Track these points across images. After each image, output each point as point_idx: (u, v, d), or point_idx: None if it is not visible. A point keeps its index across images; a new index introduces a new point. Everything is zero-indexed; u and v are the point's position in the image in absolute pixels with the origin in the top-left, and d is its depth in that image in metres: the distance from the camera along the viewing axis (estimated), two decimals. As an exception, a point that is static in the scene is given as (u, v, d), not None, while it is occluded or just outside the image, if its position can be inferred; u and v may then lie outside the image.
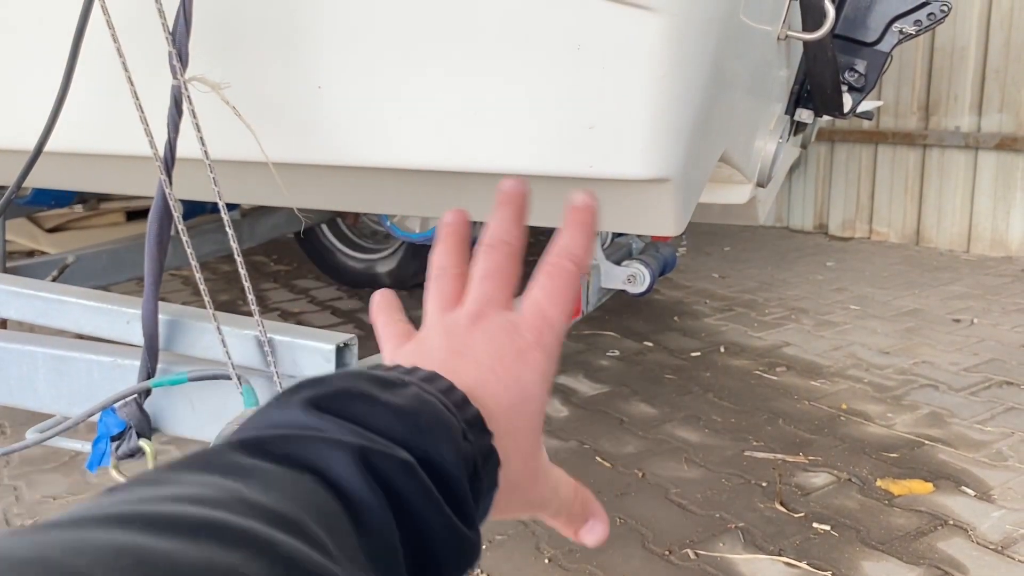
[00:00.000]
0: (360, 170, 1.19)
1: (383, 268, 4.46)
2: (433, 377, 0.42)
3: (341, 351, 1.19)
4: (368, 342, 2.71)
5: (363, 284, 4.57)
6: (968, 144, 4.89)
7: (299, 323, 4.16)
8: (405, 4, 1.11)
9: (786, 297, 4.26)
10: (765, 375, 3.23)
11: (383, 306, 0.55)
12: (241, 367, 1.23)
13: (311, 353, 1.18)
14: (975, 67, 4.86)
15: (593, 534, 0.51)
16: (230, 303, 4.61)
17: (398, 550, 0.35)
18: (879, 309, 4.00)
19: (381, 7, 1.11)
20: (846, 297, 4.22)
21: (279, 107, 1.20)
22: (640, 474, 2.48)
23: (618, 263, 2.50)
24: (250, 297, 1.17)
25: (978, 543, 2.08)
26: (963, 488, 2.34)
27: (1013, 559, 2.01)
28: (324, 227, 4.48)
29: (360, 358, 1.54)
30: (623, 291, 2.53)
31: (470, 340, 0.46)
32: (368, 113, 1.14)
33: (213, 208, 3.08)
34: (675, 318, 4.01)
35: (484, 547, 2.14)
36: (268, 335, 1.20)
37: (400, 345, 0.51)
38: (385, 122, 1.13)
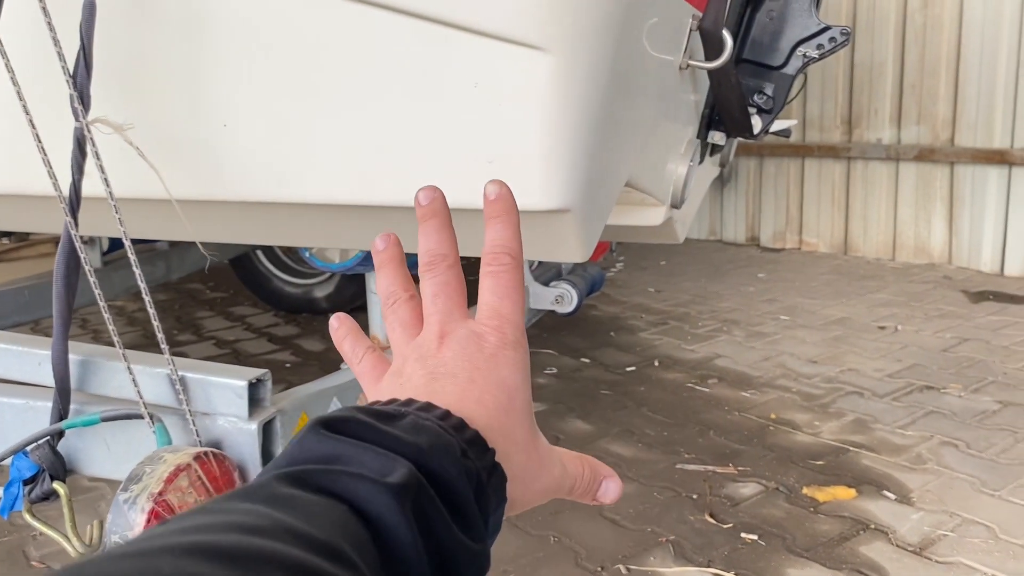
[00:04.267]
0: (267, 205, 1.21)
1: (320, 293, 4.44)
2: (428, 406, 0.44)
3: (254, 387, 1.20)
4: (304, 368, 2.68)
5: (300, 310, 4.54)
6: (889, 156, 5.07)
7: (235, 351, 4.12)
8: (306, 43, 1.13)
9: (719, 309, 4.35)
10: (697, 387, 3.30)
11: (345, 332, 0.56)
12: (153, 405, 1.23)
13: (223, 390, 1.19)
14: (893, 82, 5.04)
15: (609, 494, 0.54)
16: (165, 332, 4.54)
17: (425, 571, 0.38)
18: (808, 319, 4.12)
19: (282, 46, 1.13)
20: (776, 308, 4.33)
21: (185, 145, 1.21)
22: (575, 491, 2.51)
23: (546, 284, 2.55)
24: (159, 336, 1.17)
25: (897, 545, 2.15)
26: (884, 492, 2.42)
27: (930, 560, 2.09)
28: (259, 253, 4.45)
29: (295, 385, 1.54)
30: (552, 311, 2.58)
31: (442, 359, 0.49)
32: (273, 150, 1.16)
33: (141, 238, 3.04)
34: (612, 333, 4.07)
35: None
36: (180, 373, 1.20)
37: (377, 380, 0.53)
38: (290, 158, 1.15)
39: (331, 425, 0.41)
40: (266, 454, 1.21)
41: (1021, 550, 2.11)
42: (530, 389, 0.50)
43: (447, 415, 0.44)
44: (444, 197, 0.53)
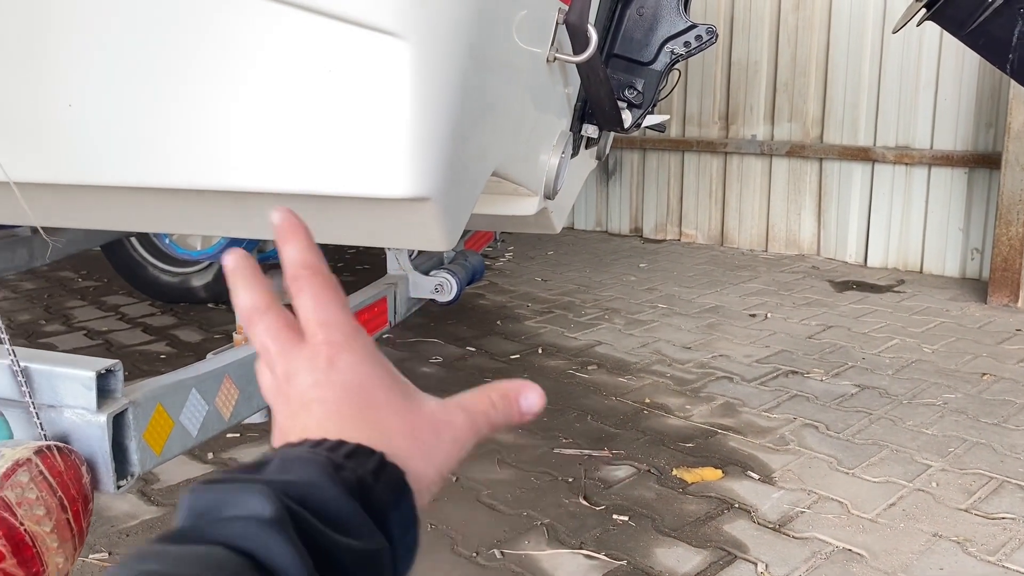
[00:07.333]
0: (115, 189, 1.17)
1: (199, 282, 4.31)
2: (301, 441, 0.46)
3: (103, 377, 1.16)
4: (180, 360, 2.58)
5: (177, 299, 4.39)
6: (763, 151, 5.29)
7: (107, 342, 3.96)
8: (158, 22, 1.09)
9: (601, 298, 4.45)
10: (578, 374, 3.37)
11: (243, 275, 0.51)
12: (-4, 399, 1.17)
13: (70, 381, 1.14)
14: (767, 80, 5.26)
15: (533, 406, 0.53)
16: (32, 323, 4.32)
17: None
18: (684, 307, 4.26)
19: (132, 24, 1.09)
20: (655, 296, 4.46)
21: (29, 126, 1.15)
22: (454, 479, 2.53)
23: (426, 273, 2.55)
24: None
25: (759, 523, 2.26)
26: (749, 473, 2.53)
27: (788, 536, 2.21)
28: (134, 240, 4.27)
29: (160, 375, 1.49)
30: (433, 300, 2.58)
31: (296, 391, 0.49)
32: (122, 132, 1.12)
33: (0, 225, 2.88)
34: (498, 322, 4.11)
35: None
36: (23, 364, 1.15)
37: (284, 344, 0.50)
38: (140, 141, 1.11)
39: (204, 484, 0.43)
40: (117, 447, 1.17)
41: (870, 524, 2.25)
42: (386, 371, 0.50)
43: (320, 442, 0.46)
44: (299, 218, 0.53)
